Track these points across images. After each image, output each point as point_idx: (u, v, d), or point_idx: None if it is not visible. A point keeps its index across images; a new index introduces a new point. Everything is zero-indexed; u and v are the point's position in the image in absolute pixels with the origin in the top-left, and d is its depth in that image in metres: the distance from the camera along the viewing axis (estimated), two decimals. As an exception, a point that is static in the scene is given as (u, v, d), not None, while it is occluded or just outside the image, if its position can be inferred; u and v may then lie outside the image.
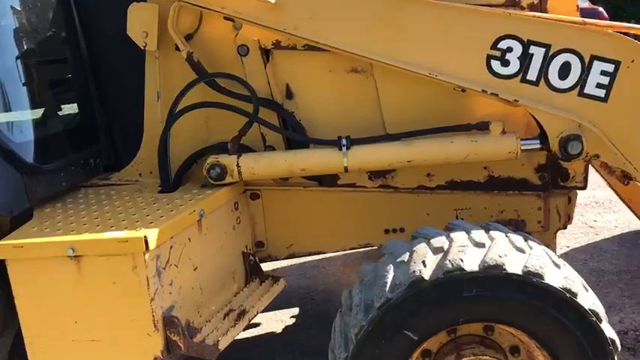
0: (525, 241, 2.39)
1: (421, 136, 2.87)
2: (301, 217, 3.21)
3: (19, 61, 2.98)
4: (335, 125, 3.04)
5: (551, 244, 3.15)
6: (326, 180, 3.08)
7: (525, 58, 2.65)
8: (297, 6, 2.74)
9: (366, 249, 3.33)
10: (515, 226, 3.08)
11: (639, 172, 2.68)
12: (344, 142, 2.84)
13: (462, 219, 3.11)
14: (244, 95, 2.97)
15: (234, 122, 2.97)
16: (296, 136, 3.02)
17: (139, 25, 2.88)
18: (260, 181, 3.05)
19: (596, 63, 2.62)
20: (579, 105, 2.67)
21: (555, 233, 3.14)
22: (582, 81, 2.64)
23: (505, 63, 2.68)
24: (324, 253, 3.38)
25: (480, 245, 2.31)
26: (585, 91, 2.65)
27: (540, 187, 3.04)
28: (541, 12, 2.81)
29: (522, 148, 2.77)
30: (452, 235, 2.39)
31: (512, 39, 2.65)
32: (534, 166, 3.01)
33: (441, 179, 3.07)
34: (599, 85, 2.64)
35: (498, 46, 2.67)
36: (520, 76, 2.67)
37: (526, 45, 2.64)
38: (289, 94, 3.05)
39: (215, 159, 2.92)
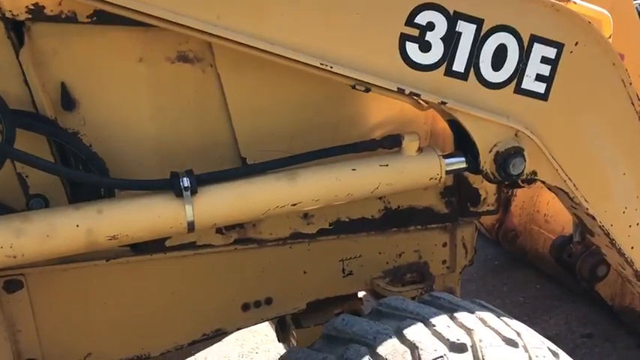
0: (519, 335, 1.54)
1: (303, 162, 1.83)
2: (103, 306, 1.92)
3: None
4: (154, 152, 1.84)
5: (455, 287, 2.41)
6: (144, 244, 1.84)
7: (451, 40, 1.79)
8: None
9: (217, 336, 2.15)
10: (418, 271, 2.27)
11: (579, 189, 2.05)
12: (185, 181, 1.65)
13: (351, 272, 2.18)
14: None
15: None
16: (90, 178, 1.72)
17: None
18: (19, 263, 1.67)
19: (536, 46, 1.88)
20: (515, 105, 1.91)
21: (461, 273, 2.40)
22: (520, 72, 1.88)
23: (425, 47, 1.78)
24: (148, 357, 2.09)
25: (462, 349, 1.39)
26: (523, 86, 1.90)
27: (448, 217, 2.25)
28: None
29: (447, 169, 1.93)
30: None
31: (434, 10, 1.76)
32: (439, 190, 2.21)
33: (323, 221, 2.08)
34: (539, 78, 1.91)
35: (416, 20, 1.76)
36: (444, 65, 1.81)
37: (452, 19, 1.77)
38: (68, 102, 1.72)
39: None
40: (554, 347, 1.56)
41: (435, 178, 1.90)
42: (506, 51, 1.85)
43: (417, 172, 1.89)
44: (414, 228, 2.23)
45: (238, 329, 2.12)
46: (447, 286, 2.38)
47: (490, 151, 1.91)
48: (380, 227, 2.17)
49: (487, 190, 2.27)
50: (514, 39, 1.85)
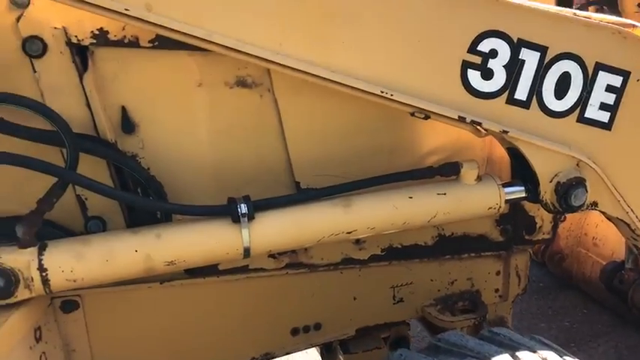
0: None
1: (359, 189, 1.80)
2: (156, 328, 1.92)
3: None
4: (211, 177, 1.84)
5: (507, 317, 2.35)
6: (199, 267, 1.84)
7: (514, 67, 1.74)
8: (152, -35, 1.46)
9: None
10: (470, 300, 2.22)
11: (643, 222, 1.98)
12: (243, 208, 1.64)
13: (402, 300, 2.14)
14: (38, 131, 1.59)
15: (19, 181, 1.62)
16: (149, 203, 1.73)
17: None
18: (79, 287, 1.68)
19: (601, 74, 1.82)
20: (578, 134, 1.85)
21: (513, 302, 2.34)
22: (584, 100, 1.83)
23: (487, 74, 1.74)
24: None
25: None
26: (586, 115, 1.84)
27: (502, 245, 2.20)
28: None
29: (507, 197, 1.88)
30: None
31: (498, 37, 1.72)
32: (495, 217, 2.16)
33: (376, 247, 2.05)
34: (603, 107, 1.85)
35: (478, 48, 1.72)
36: (506, 94, 1.76)
37: (516, 47, 1.73)
38: (128, 125, 1.74)
39: (-9, 259, 1.49)
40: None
41: (494, 208, 1.85)
42: (570, 79, 1.80)
43: (475, 201, 1.85)
44: (468, 255, 2.18)
45: (287, 354, 2.10)
46: (499, 316, 2.32)
47: (551, 181, 1.86)
48: (433, 254, 2.13)
49: (543, 217, 2.21)
50: (578, 67, 1.79)
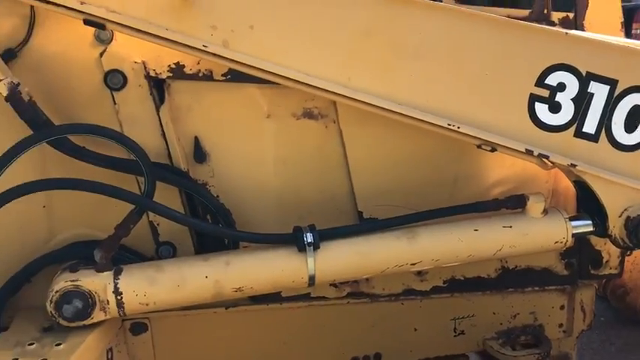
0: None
1: (424, 220, 1.81)
2: (221, 351, 1.96)
3: None
4: (277, 205, 1.89)
5: (571, 353, 2.28)
6: (263, 294, 1.87)
7: (583, 101, 1.73)
8: (230, 7, 1.53)
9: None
10: (533, 334, 2.17)
11: None
12: (309, 237, 1.67)
13: (462, 332, 2.12)
14: (120, 160, 1.68)
15: (99, 207, 1.70)
16: (218, 230, 1.78)
17: None
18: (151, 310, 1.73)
19: (671, 108, 1.79)
20: (648, 168, 1.82)
21: (578, 338, 2.28)
22: (654, 134, 1.80)
23: (555, 107, 1.73)
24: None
25: None
26: (656, 149, 1.81)
27: (567, 279, 2.15)
28: (576, 29, 1.95)
29: (574, 231, 1.84)
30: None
31: (566, 71, 1.71)
32: (560, 250, 2.12)
33: (438, 278, 2.04)
34: (673, 140, 1.82)
35: (546, 81, 1.71)
36: (574, 127, 1.75)
37: (584, 80, 1.72)
38: (200, 155, 1.81)
39: (71, 282, 1.56)
40: None
41: (561, 242, 1.82)
42: (640, 112, 1.77)
43: (542, 235, 1.82)
44: (531, 289, 2.14)
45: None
46: (563, 352, 2.25)
47: (620, 216, 1.81)
48: (495, 287, 2.10)
49: (610, 252, 2.15)
50: (648, 99, 1.77)
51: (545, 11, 1.94)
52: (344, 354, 2.06)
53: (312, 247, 1.67)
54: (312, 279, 1.69)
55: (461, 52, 1.68)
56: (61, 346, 1.53)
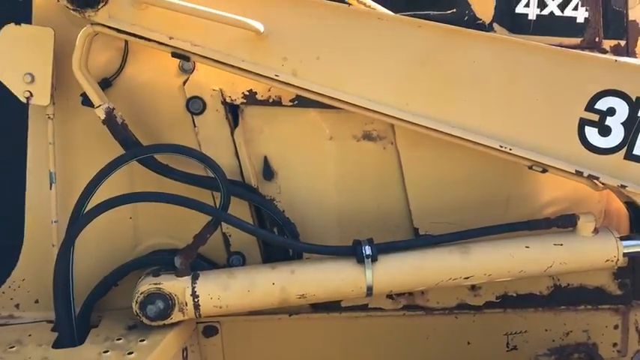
0: None
1: (477, 238, 1.91)
2: (284, 356, 2.10)
3: None
4: (338, 219, 2.03)
5: (625, 374, 2.30)
6: (324, 303, 2.00)
7: (632, 124, 1.80)
8: (298, 40, 1.71)
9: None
10: (586, 352, 2.20)
11: None
12: (367, 249, 1.81)
13: (515, 347, 2.18)
14: (199, 176, 1.87)
15: (179, 219, 1.88)
16: (284, 241, 1.94)
17: (19, 63, 1.71)
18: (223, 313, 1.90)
19: None
20: (701, 190, 1.86)
21: (632, 358, 2.30)
22: (702, 157, 1.84)
23: (605, 131, 1.81)
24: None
25: None
26: None
27: (620, 299, 2.19)
28: (628, 56, 2.02)
29: (625, 251, 1.90)
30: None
31: (616, 96, 1.79)
32: (613, 270, 2.16)
33: (491, 294, 2.12)
34: None
35: (596, 106, 1.80)
36: (625, 149, 1.82)
37: (634, 105, 1.79)
38: (268, 173, 1.98)
39: (154, 285, 1.75)
40: None
41: (612, 261, 1.89)
42: (690, 136, 1.82)
43: (592, 253, 1.89)
44: (584, 307, 2.19)
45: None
46: (618, 373, 2.28)
47: (672, 237, 1.87)
48: (548, 304, 2.16)
49: (666, 272, 2.18)
50: (697, 123, 1.82)
51: (597, 39, 2.03)
52: (399, 363, 2.17)
53: (370, 260, 1.80)
54: (369, 289, 1.82)
55: (513, 79, 1.79)
56: (145, 342, 1.72)
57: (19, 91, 1.72)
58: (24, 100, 1.73)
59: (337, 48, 1.75)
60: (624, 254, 1.90)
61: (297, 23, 1.71)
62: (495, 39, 1.81)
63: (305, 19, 1.71)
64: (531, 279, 2.10)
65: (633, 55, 2.05)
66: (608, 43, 2.04)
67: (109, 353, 1.67)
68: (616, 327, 2.24)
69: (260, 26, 1.65)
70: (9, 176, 1.88)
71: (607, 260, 1.89)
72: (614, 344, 2.25)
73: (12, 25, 1.72)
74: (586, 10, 2.00)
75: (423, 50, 1.76)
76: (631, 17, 2.05)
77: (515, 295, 2.14)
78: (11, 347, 1.73)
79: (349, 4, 1.77)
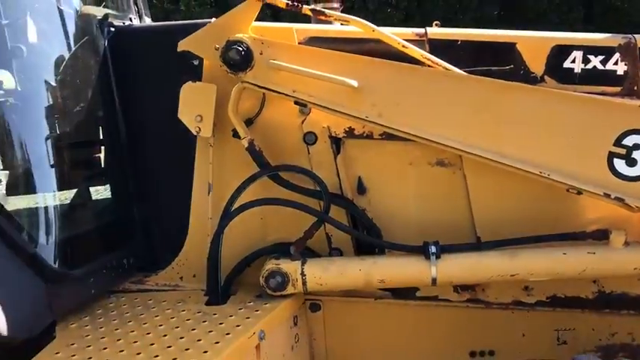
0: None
1: (524, 244, 2.41)
2: (370, 333, 2.70)
3: (50, 141, 2.55)
4: (414, 227, 2.60)
5: (671, 376, 2.61)
6: (402, 291, 2.59)
7: (655, 157, 2.23)
8: (383, 91, 2.35)
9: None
10: (631, 352, 2.57)
11: None
12: (433, 249, 2.38)
13: (565, 342, 2.60)
14: (310, 190, 2.55)
15: (296, 220, 2.54)
16: (371, 240, 2.56)
17: (193, 107, 2.49)
18: (323, 290, 2.56)
19: None
20: None
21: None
22: None
23: (631, 162, 2.25)
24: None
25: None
26: None
27: (661, 307, 2.55)
28: (661, 103, 2.43)
29: (653, 263, 2.31)
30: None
31: (640, 134, 2.24)
32: (643, 277, 2.54)
33: (541, 294, 2.58)
34: None
35: (623, 142, 2.25)
36: (649, 178, 2.25)
37: (656, 142, 2.23)
38: (361, 189, 2.61)
39: (275, 265, 2.44)
40: None
41: (639, 269, 2.29)
42: None
43: (621, 262, 2.32)
44: (627, 312, 2.56)
45: (466, 371, 2.69)
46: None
47: (694, 251, 2.24)
48: (593, 307, 2.56)
49: None
50: None
51: (636, 88, 2.46)
52: (464, 347, 2.66)
53: (434, 256, 2.37)
54: (434, 280, 2.38)
55: (552, 121, 2.30)
56: (268, 304, 2.41)
57: (192, 127, 2.50)
58: (195, 133, 2.51)
59: (413, 96, 2.36)
60: (652, 264, 2.30)
61: (382, 79, 2.35)
62: (537, 90, 2.33)
63: (388, 75, 2.35)
64: (578, 284, 2.53)
65: (666, 101, 2.46)
66: (644, 91, 2.47)
67: (242, 310, 2.38)
68: (658, 332, 2.58)
69: (355, 83, 2.32)
70: (181, 185, 2.67)
71: (635, 268, 2.30)
72: (657, 348, 2.59)
73: (190, 82, 2.51)
74: (625, 64, 2.45)
75: (480, 100, 2.33)
76: (664, 70, 2.47)
77: (563, 296, 2.57)
78: (179, 302, 2.50)
79: (422, 64, 2.38)
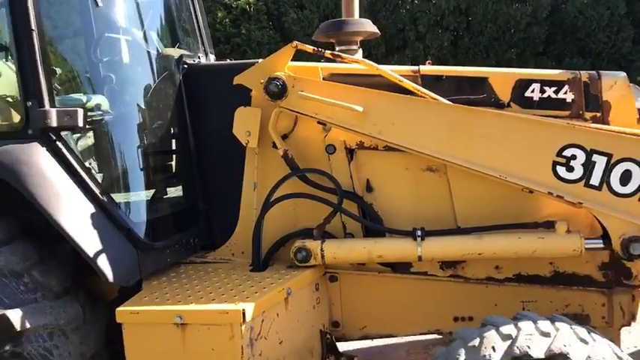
0: (589, 333, 2.57)
1: (491, 231, 3.15)
2: (375, 300, 3.47)
3: (139, 150, 3.49)
4: (409, 217, 3.35)
5: (615, 341, 3.27)
6: (399, 267, 3.36)
7: (588, 165, 2.93)
8: (382, 114, 3.16)
9: (434, 336, 3.53)
10: (581, 320, 3.24)
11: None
12: (419, 232, 3.15)
13: (529, 310, 3.30)
14: (330, 188, 3.36)
15: (319, 211, 3.34)
16: (374, 226, 3.35)
17: (244, 125, 3.35)
18: (339, 265, 3.36)
19: (653, 171, 2.87)
20: (638, 208, 2.90)
21: (619, 330, 3.27)
22: (642, 188, 2.89)
23: (570, 169, 2.96)
24: (396, 336, 3.61)
25: (545, 334, 2.51)
26: (645, 197, 2.89)
27: (604, 284, 3.21)
28: (603, 124, 3.12)
29: (586, 246, 3.00)
30: (519, 323, 2.60)
31: (576, 148, 2.95)
32: (598, 263, 3.21)
33: (509, 272, 3.30)
34: (657, 192, 2.88)
35: (563, 153, 2.96)
36: (584, 181, 2.95)
37: (589, 153, 2.93)
38: (369, 188, 3.41)
39: (302, 243, 3.27)
40: (620, 353, 2.50)
41: (577, 251, 2.99)
42: (631, 174, 2.90)
43: (563, 245, 3.02)
44: (577, 288, 3.24)
45: (450, 333, 3.41)
46: (608, 337, 3.24)
47: (619, 238, 2.92)
48: (550, 283, 3.25)
49: (639, 269, 3.15)
50: (637, 166, 2.89)
51: (581, 112, 3.17)
52: (449, 313, 3.38)
53: (420, 238, 3.13)
54: (420, 257, 3.15)
55: (510, 137, 3.04)
56: (295, 272, 3.21)
57: (243, 140, 3.35)
58: (244, 144, 3.38)
59: (405, 118, 3.15)
60: (586, 248, 2.99)
61: (381, 105, 3.15)
62: (499, 114, 3.08)
63: (385, 103, 3.15)
64: (538, 264, 3.23)
65: (607, 122, 3.14)
66: (588, 115, 3.17)
67: (276, 275, 3.21)
68: (603, 305, 3.24)
69: (360, 108, 3.13)
70: (234, 184, 3.53)
71: (574, 250, 3.00)
72: (603, 317, 3.25)
73: (242, 107, 3.40)
74: (572, 94, 3.17)
75: (455, 121, 3.10)
76: (604, 98, 3.16)
77: (526, 274, 3.27)
78: (230, 270, 3.35)
79: (414, 94, 3.17)
